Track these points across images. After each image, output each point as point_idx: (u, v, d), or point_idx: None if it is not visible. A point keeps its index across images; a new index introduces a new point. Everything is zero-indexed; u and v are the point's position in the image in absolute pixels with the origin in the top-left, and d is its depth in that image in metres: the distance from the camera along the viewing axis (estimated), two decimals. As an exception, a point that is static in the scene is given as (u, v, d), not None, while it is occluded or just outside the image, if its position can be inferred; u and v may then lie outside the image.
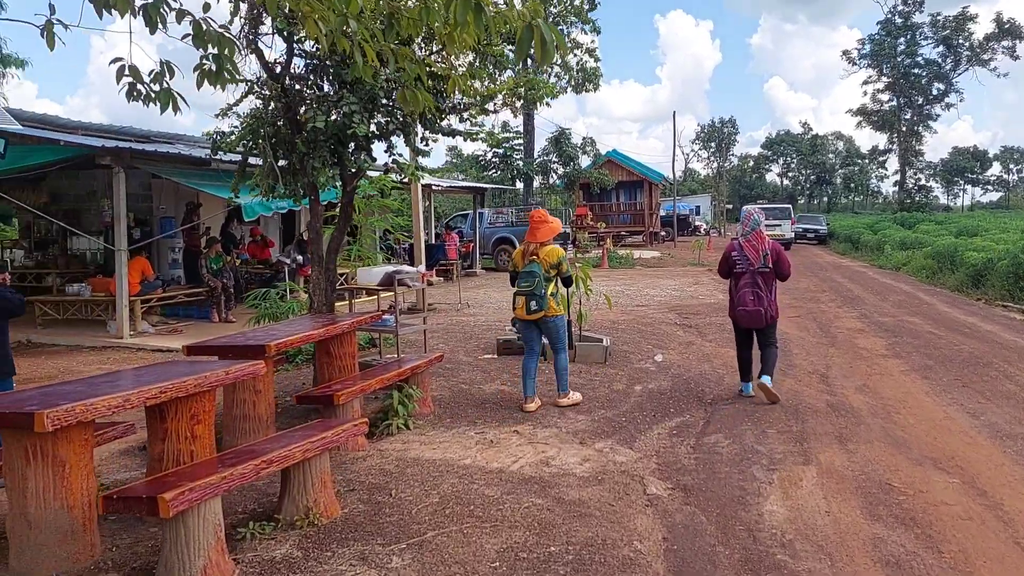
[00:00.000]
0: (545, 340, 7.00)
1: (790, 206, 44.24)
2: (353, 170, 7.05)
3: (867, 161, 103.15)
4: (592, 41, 30.57)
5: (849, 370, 8.52)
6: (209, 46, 3.49)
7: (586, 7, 29.39)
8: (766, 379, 6.97)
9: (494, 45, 7.09)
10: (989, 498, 4.71)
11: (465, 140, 7.60)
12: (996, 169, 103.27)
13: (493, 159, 32.13)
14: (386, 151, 7.34)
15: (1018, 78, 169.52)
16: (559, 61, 30.63)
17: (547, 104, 30.28)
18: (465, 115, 7.80)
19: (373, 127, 6.95)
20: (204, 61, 3.57)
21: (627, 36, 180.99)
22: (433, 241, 20.09)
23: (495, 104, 8.01)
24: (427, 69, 6.57)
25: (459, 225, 23.93)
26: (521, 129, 31.91)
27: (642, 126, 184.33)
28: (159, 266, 14.51)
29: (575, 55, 30.02)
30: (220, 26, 3.56)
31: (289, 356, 8.60)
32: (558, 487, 4.84)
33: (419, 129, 7.23)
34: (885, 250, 25.67)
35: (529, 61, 29.89)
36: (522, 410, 6.66)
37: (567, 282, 7.09)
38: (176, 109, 3.60)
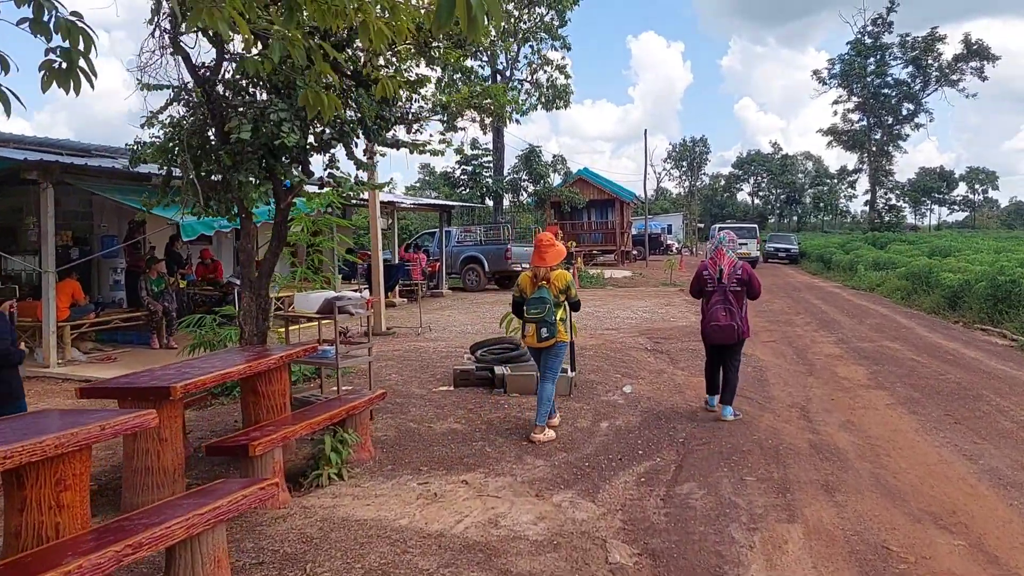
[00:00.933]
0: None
1: (756, 226, 44.67)
2: (288, 185, 6.34)
3: (836, 181, 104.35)
4: (563, 58, 30.28)
5: (831, 403, 7.93)
6: (57, 37, 2.79)
7: (556, 23, 29.01)
8: (727, 413, 7.21)
9: (431, 42, 6.41)
10: (1002, 567, 4.09)
11: (412, 152, 6.90)
12: (962, 189, 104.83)
13: (462, 176, 31.48)
14: (329, 165, 6.65)
15: (983, 100, 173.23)
16: (529, 77, 30.25)
17: (516, 120, 29.85)
18: (415, 126, 7.08)
19: (312, 138, 6.27)
20: (52, 56, 2.87)
21: (600, 56, 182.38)
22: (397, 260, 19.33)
23: (451, 114, 7.30)
24: (351, 70, 5.92)
25: (426, 244, 23.21)
26: (491, 146, 31.33)
27: (615, 145, 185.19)
28: (100, 288, 13.63)
29: (545, 71, 29.62)
30: (72, 13, 2.86)
31: (227, 388, 7.82)
32: (506, 556, 4.13)
33: (361, 140, 6.54)
34: (858, 270, 25.36)
35: (497, 78, 29.43)
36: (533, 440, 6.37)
37: (575, 307, 6.73)
38: (7, 111, 2.89)
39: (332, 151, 6.45)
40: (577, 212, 36.05)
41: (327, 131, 5.89)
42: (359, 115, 6.05)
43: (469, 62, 28.50)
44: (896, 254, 27.04)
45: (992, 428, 6.77)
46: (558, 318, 6.37)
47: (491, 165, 31.33)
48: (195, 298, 13.33)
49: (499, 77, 30.03)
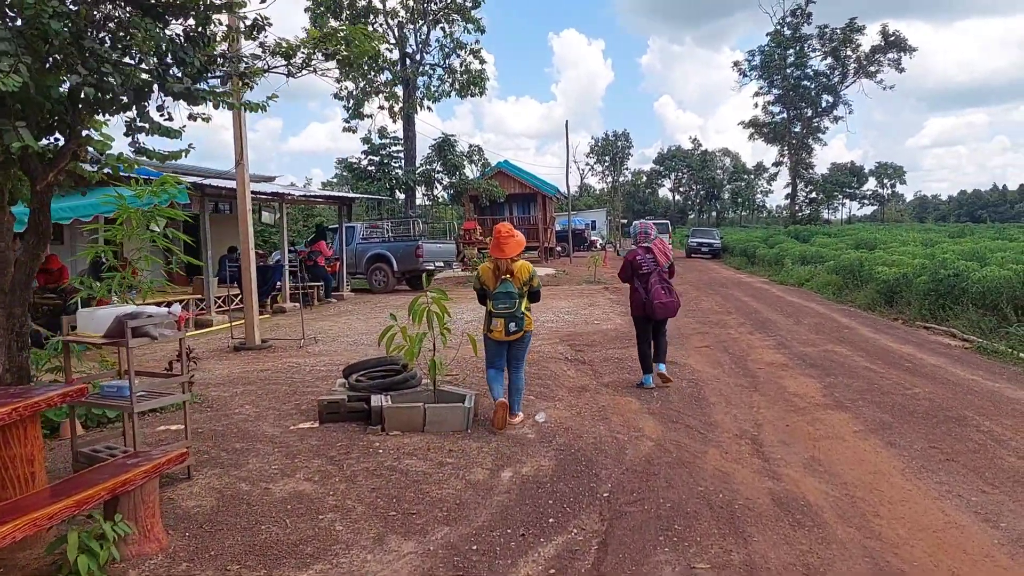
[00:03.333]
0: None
1: (668, 222, 45.93)
2: (49, 158, 4.41)
3: (753, 176, 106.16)
4: (476, 42, 28.44)
5: (787, 431, 6.44)
6: None
7: (469, 4, 27.21)
8: (662, 367, 8.15)
9: None
10: None
11: (218, 108, 4.99)
12: (871, 184, 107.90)
13: (369, 167, 29.34)
14: (130, 129, 4.68)
15: (889, 98, 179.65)
16: (441, 62, 28.41)
17: (427, 108, 27.89)
18: (243, 78, 5.19)
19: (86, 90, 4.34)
20: None
21: (522, 53, 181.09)
22: (286, 259, 17.24)
23: (293, 64, 5.44)
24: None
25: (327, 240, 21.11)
26: (401, 135, 29.30)
27: (539, 142, 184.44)
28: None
29: (458, 55, 27.82)
30: None
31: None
32: None
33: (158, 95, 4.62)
34: (785, 265, 24.52)
35: (407, 62, 27.34)
36: (501, 409, 6.26)
37: (534, 296, 6.52)
38: None
39: (117, 106, 4.52)
40: (497, 207, 34.41)
41: (82, 74, 3.94)
42: (139, 55, 4.16)
43: (375, 43, 26.64)
44: (821, 247, 26.36)
45: (996, 467, 5.35)
46: (524, 309, 6.32)
47: (401, 156, 29.35)
48: (34, 309, 11.06)
49: (408, 61, 28.08)
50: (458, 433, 6.19)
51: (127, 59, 4.21)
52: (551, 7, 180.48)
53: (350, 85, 27.76)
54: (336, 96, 28.04)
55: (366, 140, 29.42)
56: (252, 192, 15.77)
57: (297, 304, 16.90)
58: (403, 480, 5.14)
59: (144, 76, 4.27)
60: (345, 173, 32.38)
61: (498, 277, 6.29)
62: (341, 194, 21.58)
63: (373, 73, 27.61)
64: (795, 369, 9.11)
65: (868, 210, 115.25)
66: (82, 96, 4.27)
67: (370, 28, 27.17)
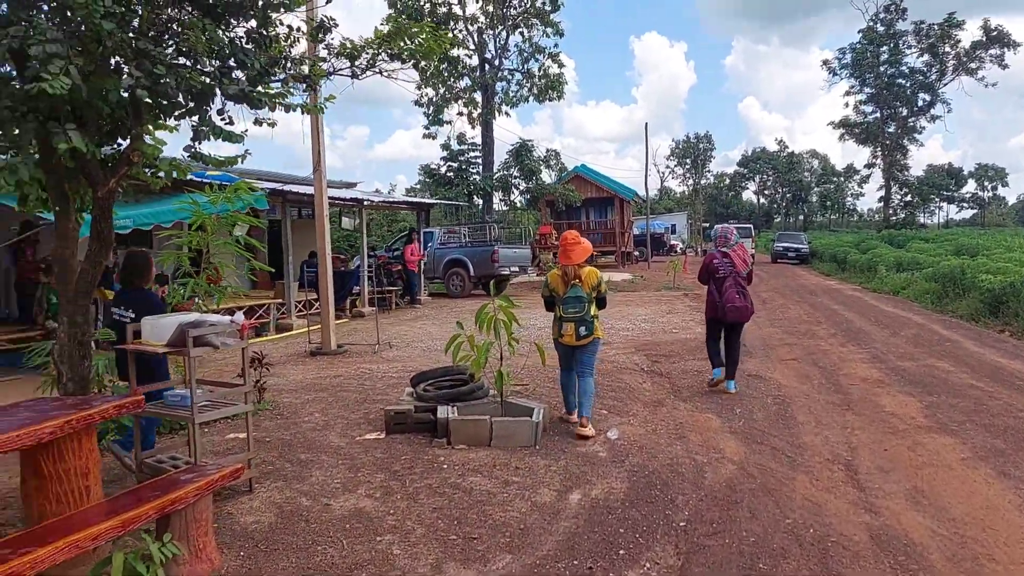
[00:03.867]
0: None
1: (751, 226, 44.75)
2: (110, 164, 4.36)
3: (843, 179, 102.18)
4: (555, 45, 28.17)
5: (885, 457, 5.91)
6: None
7: (548, 8, 26.98)
8: (731, 386, 8.14)
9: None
10: None
11: (274, 111, 4.82)
12: (971, 187, 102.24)
13: (448, 173, 29.42)
14: (196, 135, 4.59)
15: (989, 96, 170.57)
16: (520, 67, 28.26)
17: (505, 113, 27.76)
18: (304, 73, 5.04)
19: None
20: None
21: (603, 57, 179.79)
22: (369, 263, 17.34)
23: (359, 66, 5.27)
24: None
25: (399, 247, 21.20)
26: (479, 141, 29.28)
27: (619, 146, 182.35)
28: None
29: (537, 59, 27.59)
30: None
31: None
32: None
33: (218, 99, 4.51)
34: (879, 271, 23.29)
35: (486, 68, 27.25)
36: (564, 421, 6.68)
37: (601, 303, 6.60)
38: None
39: (183, 111, 4.43)
40: (574, 211, 34.02)
41: (135, 76, 3.83)
42: (198, 57, 4.05)
43: (455, 51, 26.54)
44: (918, 253, 24.99)
45: None
46: (593, 315, 6.38)
47: (479, 161, 29.33)
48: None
49: (487, 66, 28.02)
50: (525, 449, 5.91)
51: (183, 60, 4.10)
52: (633, 10, 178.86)
53: (430, 92, 27.96)
54: (416, 103, 28.28)
55: (445, 146, 29.60)
56: (331, 198, 15.93)
57: (374, 309, 16.99)
58: (466, 500, 4.89)
59: (204, 79, 4.15)
60: (426, 179, 32.56)
61: (567, 283, 6.36)
62: (419, 200, 21.66)
63: (452, 79, 27.71)
64: (892, 386, 8.46)
65: (967, 214, 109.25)
66: (138, 99, 4.19)
67: (450, 35, 27.36)
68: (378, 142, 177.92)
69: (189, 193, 7.10)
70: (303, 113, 5.07)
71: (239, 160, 4.69)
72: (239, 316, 4.89)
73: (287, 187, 13.25)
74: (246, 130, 4.52)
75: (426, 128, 28.43)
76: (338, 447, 6.05)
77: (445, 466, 5.53)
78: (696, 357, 10.48)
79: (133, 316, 5.11)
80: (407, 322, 15.27)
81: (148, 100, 4.15)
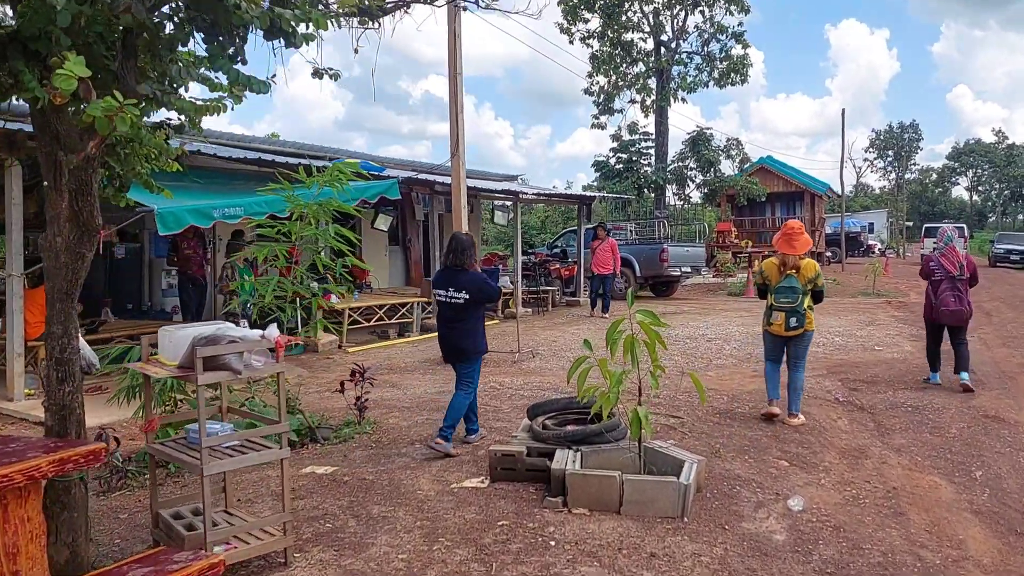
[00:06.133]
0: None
1: (964, 225, 40.52)
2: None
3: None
4: (740, 24, 25.61)
5: None
6: None
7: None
8: (964, 376, 7.96)
9: None
10: None
11: (307, 44, 3.47)
12: None
13: (617, 165, 27.68)
14: (229, 64, 3.38)
15: None
16: (700, 49, 26.00)
17: (681, 99, 25.61)
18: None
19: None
20: None
21: (795, 47, 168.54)
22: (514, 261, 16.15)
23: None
24: None
25: (560, 245, 19.86)
26: (652, 131, 27.29)
27: (810, 141, 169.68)
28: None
29: (718, 40, 25.21)
30: None
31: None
32: None
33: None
34: None
35: (661, 51, 25.18)
36: (768, 416, 6.50)
37: (818, 296, 6.61)
38: None
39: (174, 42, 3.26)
40: (758, 206, 31.10)
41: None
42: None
43: (629, 35, 24.76)
44: None
45: None
46: (806, 307, 6.36)
47: (652, 152, 27.35)
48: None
49: (663, 50, 25.98)
50: (669, 521, 4.30)
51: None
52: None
53: (601, 80, 26.41)
54: (587, 91, 26.82)
55: (615, 137, 27.92)
56: (481, 190, 14.93)
57: (529, 310, 15.78)
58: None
59: None
60: (599, 174, 31.04)
61: (783, 272, 6.37)
62: (579, 193, 20.18)
63: (625, 65, 25.99)
64: None
65: None
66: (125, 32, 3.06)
67: (623, 18, 25.65)
68: (559, 140, 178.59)
69: (282, 179, 6.09)
70: (326, 78, 3.82)
71: (221, 109, 3.47)
72: (272, 330, 3.68)
73: (434, 177, 12.27)
74: (273, 75, 3.32)
75: (595, 118, 26.88)
76: (425, 497, 4.75)
77: (553, 542, 4.05)
78: (908, 386, 8.29)
79: (467, 297, 5.55)
80: (560, 326, 13.87)
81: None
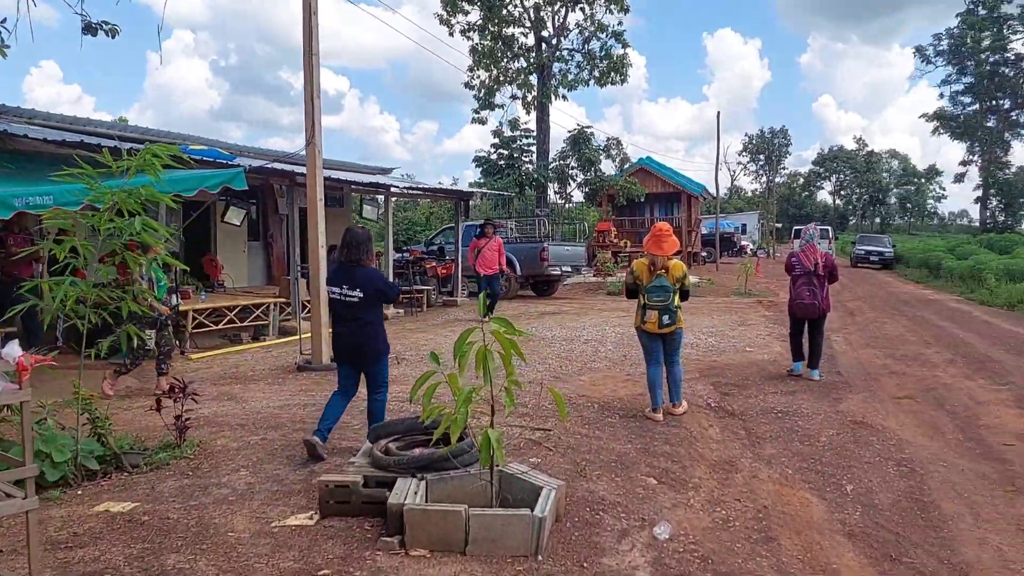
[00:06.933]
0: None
1: (829, 227, 42.54)
2: None
3: (923, 180, 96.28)
4: (619, 23, 25.72)
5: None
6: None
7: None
8: (815, 374, 8.60)
9: None
10: None
11: None
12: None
13: (499, 161, 27.27)
14: None
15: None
16: (580, 47, 25.91)
17: (562, 96, 25.52)
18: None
19: None
20: None
21: (675, 53, 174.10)
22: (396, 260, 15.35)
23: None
24: None
25: (439, 242, 19.19)
26: (533, 128, 27.03)
27: (688, 144, 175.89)
28: None
29: (599, 38, 25.19)
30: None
31: None
32: None
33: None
34: (987, 281, 20.24)
35: (542, 47, 24.85)
36: (649, 418, 6.55)
37: (684, 295, 6.82)
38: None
39: None
40: (637, 207, 31.48)
41: None
42: None
43: (510, 29, 24.39)
44: (1032, 260, 21.79)
45: None
46: (676, 305, 6.58)
47: (533, 150, 27.09)
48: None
49: (544, 46, 25.73)
50: (521, 561, 3.74)
51: None
52: (707, 7, 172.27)
53: (482, 74, 25.87)
54: (467, 85, 26.22)
55: (496, 132, 27.48)
56: (349, 183, 14.06)
57: (400, 311, 15.02)
58: None
59: None
60: (481, 180, 30.47)
61: (653, 272, 6.56)
62: (455, 188, 19.55)
63: (506, 60, 25.57)
64: (1066, 450, 5.99)
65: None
66: None
67: (503, 12, 25.22)
68: (447, 137, 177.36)
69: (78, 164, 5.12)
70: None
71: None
72: (12, 348, 2.85)
73: (293, 167, 11.30)
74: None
75: (476, 112, 26.32)
76: (237, 541, 3.98)
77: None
78: (778, 388, 8.18)
79: (361, 296, 5.34)
80: (433, 328, 13.19)
81: None
